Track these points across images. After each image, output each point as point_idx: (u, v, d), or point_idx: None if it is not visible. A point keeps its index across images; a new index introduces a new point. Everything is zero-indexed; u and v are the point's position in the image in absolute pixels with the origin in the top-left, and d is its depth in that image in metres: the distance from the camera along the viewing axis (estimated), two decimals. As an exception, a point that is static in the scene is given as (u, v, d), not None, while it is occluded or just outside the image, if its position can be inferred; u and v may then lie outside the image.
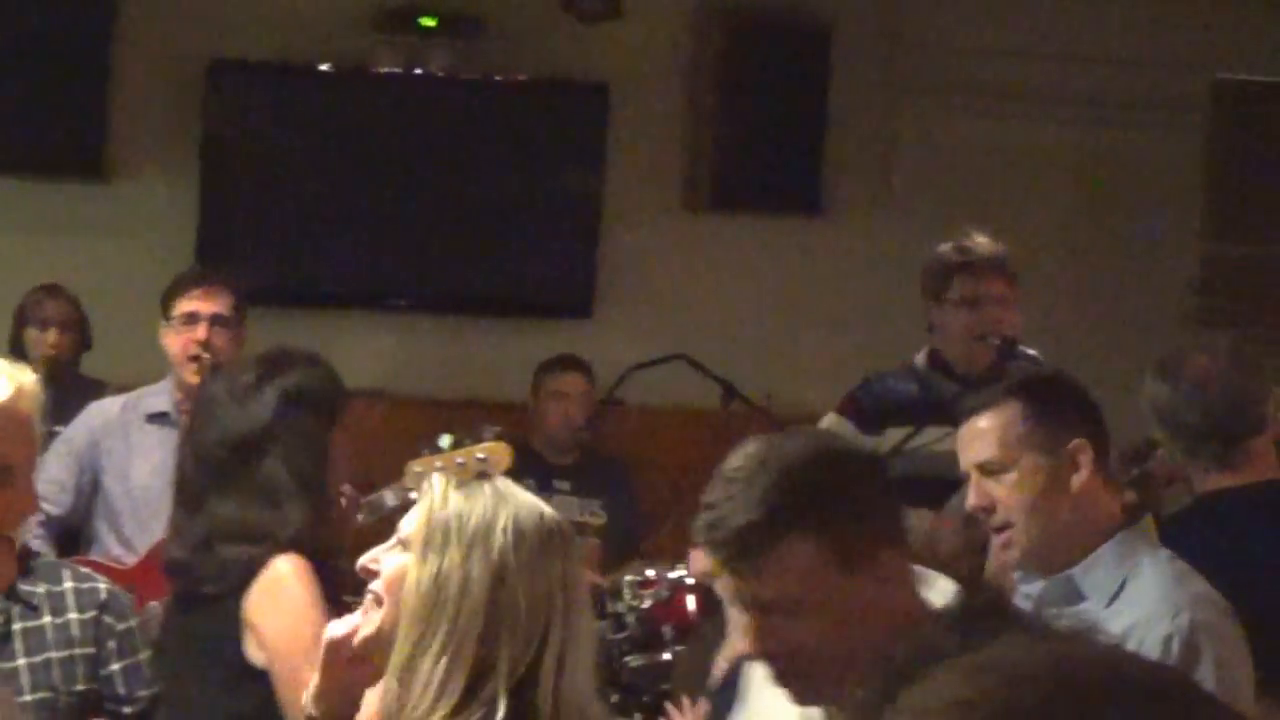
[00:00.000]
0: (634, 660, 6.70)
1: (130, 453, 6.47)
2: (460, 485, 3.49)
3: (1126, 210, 9.68)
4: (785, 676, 3.06)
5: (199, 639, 4.37)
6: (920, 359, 6.39)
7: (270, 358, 4.56)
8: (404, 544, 3.46)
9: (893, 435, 6.28)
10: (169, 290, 6.64)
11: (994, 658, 1.54)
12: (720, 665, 5.27)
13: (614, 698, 6.63)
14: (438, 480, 3.51)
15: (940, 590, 3.20)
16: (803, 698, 3.08)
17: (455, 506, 3.42)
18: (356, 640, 3.53)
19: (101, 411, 6.50)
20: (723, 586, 3.14)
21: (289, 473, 4.33)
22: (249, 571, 4.22)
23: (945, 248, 6.40)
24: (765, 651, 3.04)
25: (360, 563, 3.58)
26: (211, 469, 4.39)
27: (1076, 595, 3.98)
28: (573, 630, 3.40)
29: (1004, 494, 3.98)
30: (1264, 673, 3.82)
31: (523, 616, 3.33)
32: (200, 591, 4.34)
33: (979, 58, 9.49)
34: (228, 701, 4.25)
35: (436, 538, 3.39)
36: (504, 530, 3.37)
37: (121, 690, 4.59)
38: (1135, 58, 9.57)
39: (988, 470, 4.00)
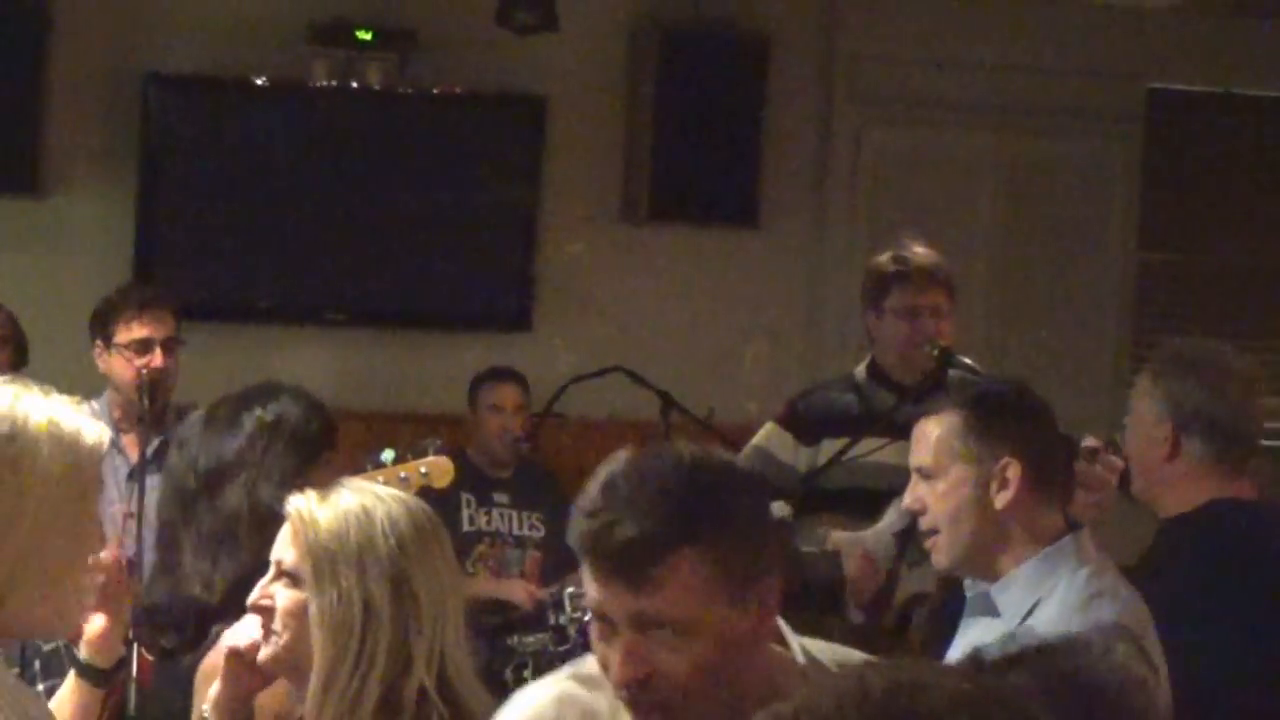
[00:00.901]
0: (574, 672, 6.68)
1: None
2: (321, 499, 3.54)
3: (1060, 219, 9.73)
4: (647, 707, 2.81)
5: (159, 691, 4.29)
6: (860, 370, 6.44)
7: (254, 390, 4.49)
8: (292, 578, 3.52)
9: (829, 446, 6.28)
10: (106, 312, 6.63)
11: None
12: None
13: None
14: (299, 501, 3.55)
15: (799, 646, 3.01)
16: None
17: (329, 528, 3.49)
18: (260, 660, 3.59)
19: None
20: (595, 603, 2.84)
21: (249, 506, 4.25)
22: (201, 636, 4.16)
23: (883, 258, 6.44)
24: (634, 676, 2.77)
25: (251, 600, 3.60)
26: (181, 500, 4.35)
27: (994, 610, 4.02)
28: (457, 601, 3.57)
29: (932, 500, 4.03)
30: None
31: (425, 609, 3.46)
32: (160, 643, 4.29)
33: (913, 70, 9.55)
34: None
35: (324, 567, 3.46)
36: (384, 536, 3.47)
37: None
38: (1068, 68, 9.62)
39: (923, 474, 4.05)
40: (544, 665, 6.93)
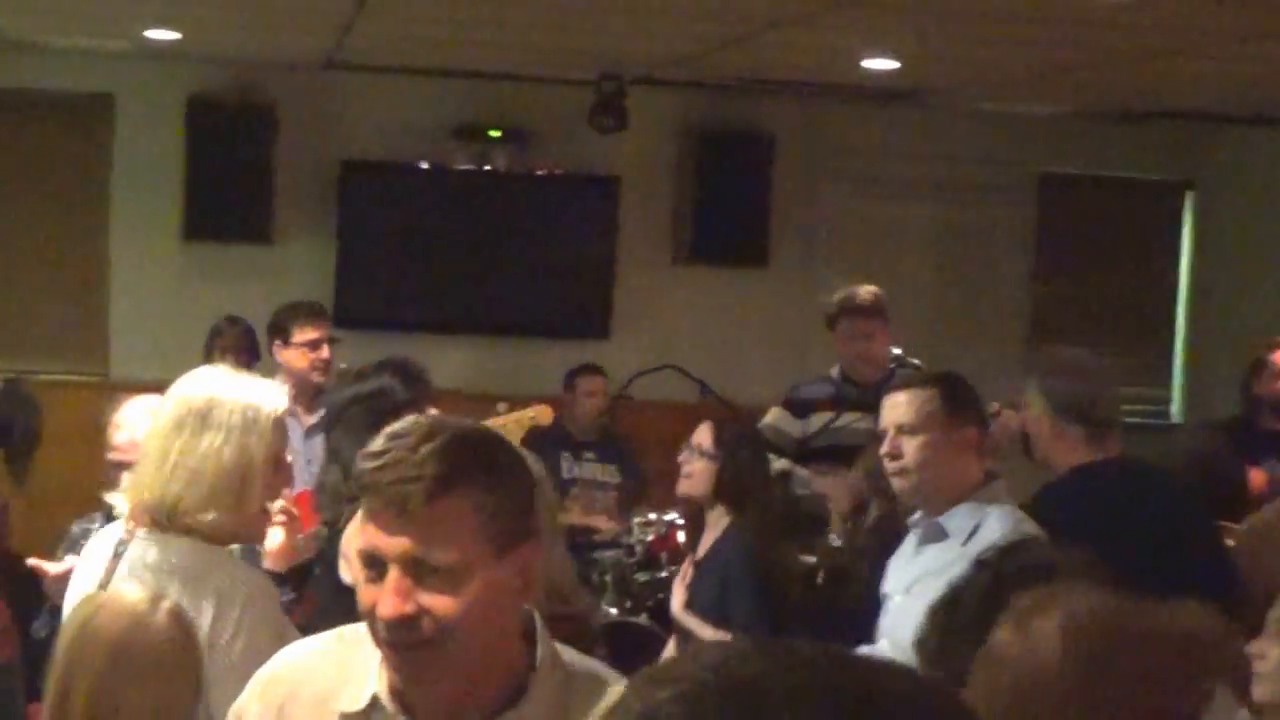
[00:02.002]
0: (641, 577, 6.77)
1: None
2: None
3: (977, 265, 9.70)
4: (409, 647, 2.18)
5: (329, 561, 4.24)
6: (835, 370, 6.48)
7: (366, 366, 4.49)
8: None
9: (816, 420, 6.36)
10: (285, 319, 6.60)
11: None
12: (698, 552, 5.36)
13: (627, 603, 6.71)
14: None
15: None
16: (417, 674, 2.21)
17: None
18: None
19: None
20: (369, 545, 2.20)
21: (339, 444, 4.31)
22: (348, 519, 4.10)
23: (836, 297, 6.52)
24: (401, 611, 2.15)
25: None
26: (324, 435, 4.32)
27: (942, 534, 3.95)
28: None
29: (909, 449, 3.95)
30: None
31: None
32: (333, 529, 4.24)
33: (871, 157, 9.47)
34: (333, 608, 4.24)
35: None
36: None
37: None
38: (983, 155, 9.62)
39: (901, 430, 3.97)
40: (618, 573, 7.01)
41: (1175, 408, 10.07)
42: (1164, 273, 10.07)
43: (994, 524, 3.87)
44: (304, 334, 6.50)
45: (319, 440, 6.40)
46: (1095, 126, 9.63)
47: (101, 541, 3.27)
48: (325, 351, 6.48)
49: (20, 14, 7.68)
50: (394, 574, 2.16)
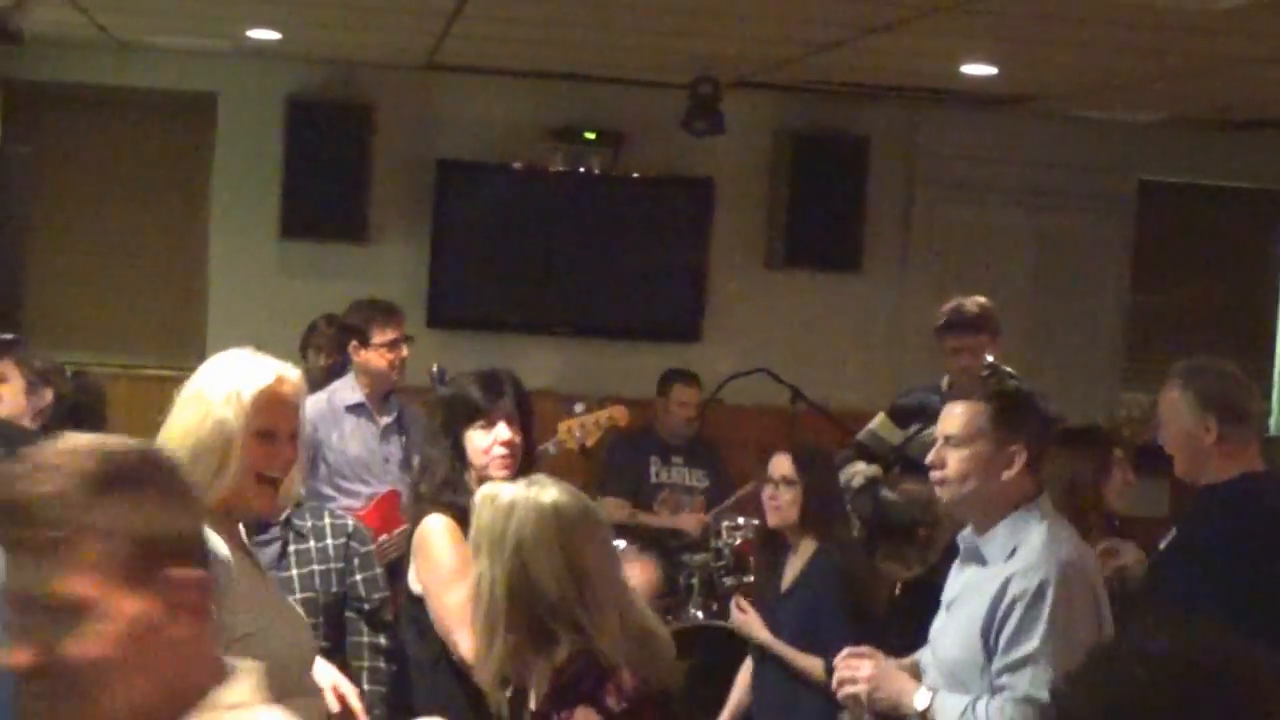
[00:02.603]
0: (729, 580, 6.77)
1: (344, 435, 6.46)
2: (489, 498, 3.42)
3: (1074, 273, 9.60)
4: (40, 696, 1.79)
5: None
6: (944, 381, 6.39)
7: (455, 376, 4.52)
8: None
9: (915, 430, 6.33)
10: (364, 320, 6.58)
11: None
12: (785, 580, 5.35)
13: (714, 606, 6.71)
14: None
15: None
16: None
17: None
18: None
19: (314, 405, 6.07)
20: None
21: (424, 445, 4.35)
22: (415, 521, 4.22)
23: (947, 307, 6.40)
24: (27, 662, 1.78)
25: None
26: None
27: (982, 559, 3.84)
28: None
29: (952, 461, 3.84)
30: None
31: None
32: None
33: (969, 162, 9.41)
34: (409, 612, 4.26)
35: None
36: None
37: (362, 593, 4.61)
38: (1081, 162, 9.53)
39: (949, 441, 3.87)
40: (705, 576, 7.00)
41: (1274, 420, 9.92)
42: (1264, 282, 9.93)
43: (1033, 542, 3.77)
44: (383, 334, 6.52)
45: (396, 440, 6.44)
46: (1196, 134, 9.50)
47: None
48: (403, 351, 6.50)
49: (126, 14, 7.79)
50: (13, 613, 1.82)
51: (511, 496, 3.40)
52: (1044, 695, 3.40)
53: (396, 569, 4.99)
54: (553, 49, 8.05)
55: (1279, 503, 4.29)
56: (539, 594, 3.30)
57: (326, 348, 7.61)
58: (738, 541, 6.80)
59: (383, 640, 4.57)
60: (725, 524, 6.89)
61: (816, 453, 5.57)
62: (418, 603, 4.13)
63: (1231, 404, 4.30)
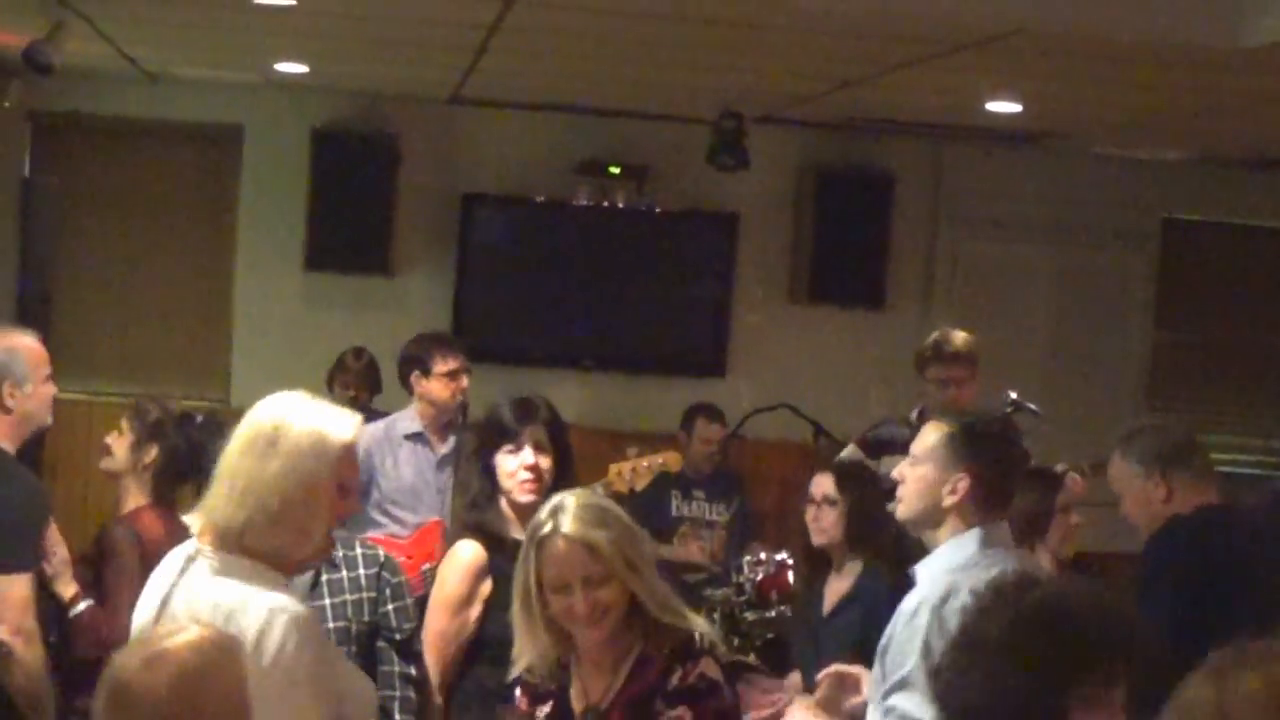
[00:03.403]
0: (750, 615, 6.73)
1: (397, 462, 6.49)
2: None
3: (1098, 310, 9.59)
4: None
5: None
6: (914, 414, 6.43)
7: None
8: None
9: (887, 463, 6.33)
10: (425, 351, 6.59)
11: None
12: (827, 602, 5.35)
13: (736, 641, 6.68)
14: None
15: None
16: None
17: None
18: None
19: (370, 433, 6.22)
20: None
21: (461, 470, 4.40)
22: (450, 544, 4.29)
23: (927, 341, 6.48)
24: None
25: None
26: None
27: (913, 583, 3.86)
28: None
29: (908, 479, 3.85)
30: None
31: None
32: None
33: (992, 199, 9.43)
34: None
35: None
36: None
37: (393, 623, 4.54)
38: (1105, 199, 9.53)
39: (911, 460, 3.88)
40: (727, 611, 6.97)
41: (1299, 457, 9.89)
42: (1288, 322, 9.90)
43: (942, 565, 3.79)
44: (445, 364, 6.54)
45: (451, 471, 6.45)
46: (1220, 172, 9.50)
47: (175, 555, 3.32)
48: (464, 381, 6.53)
49: (155, 46, 7.84)
50: None
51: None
52: (923, 717, 3.40)
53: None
54: (578, 83, 8.08)
55: (1232, 534, 4.32)
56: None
57: (354, 383, 7.62)
58: (759, 577, 6.77)
59: (413, 670, 4.59)
60: (748, 558, 6.87)
61: (859, 470, 5.58)
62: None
63: (1172, 454, 4.36)
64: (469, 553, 4.16)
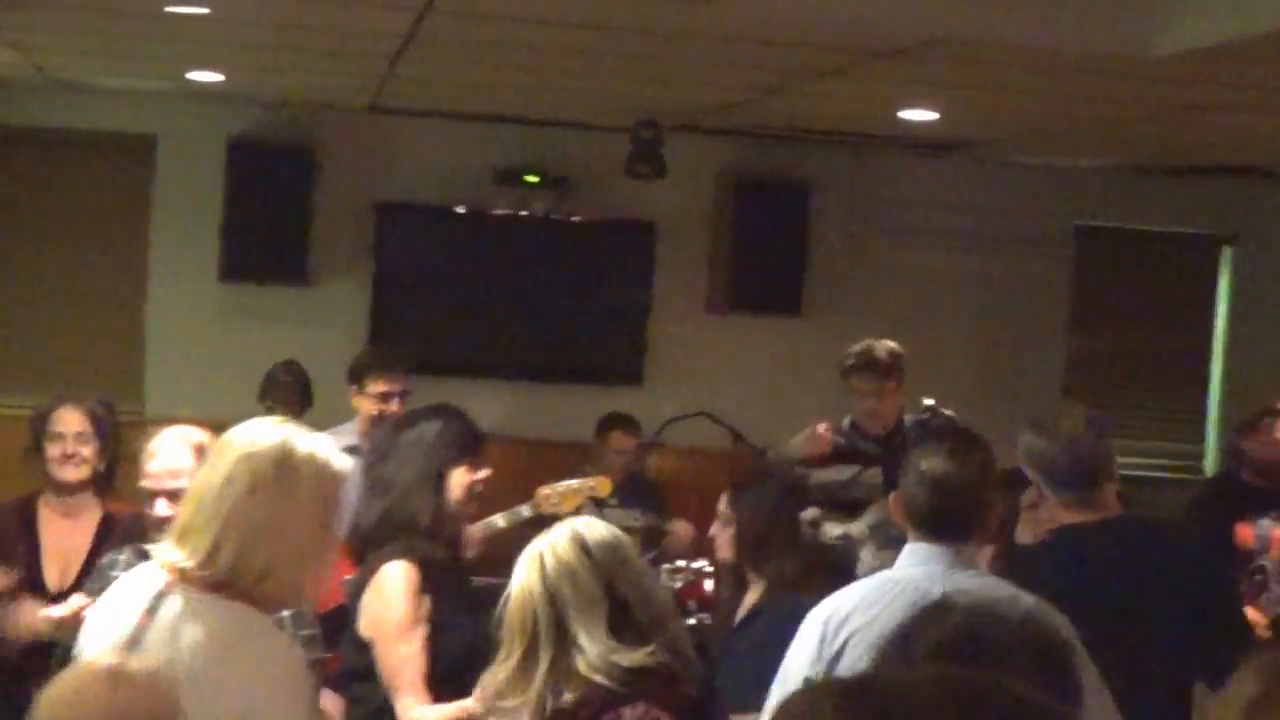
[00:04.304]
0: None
1: None
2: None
3: (1013, 316, 9.67)
4: None
5: (351, 600, 4.24)
6: (846, 421, 6.45)
7: (421, 409, 4.39)
8: None
9: (821, 472, 6.35)
10: (362, 368, 6.54)
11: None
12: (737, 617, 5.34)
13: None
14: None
15: None
16: None
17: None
18: None
19: None
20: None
21: (396, 479, 4.15)
22: (370, 569, 4.11)
23: (850, 351, 6.48)
24: None
25: None
26: (364, 471, 4.20)
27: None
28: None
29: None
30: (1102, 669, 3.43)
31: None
32: (356, 576, 4.20)
33: (909, 207, 9.48)
34: (354, 659, 4.16)
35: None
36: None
37: (290, 629, 4.58)
38: (1021, 207, 9.60)
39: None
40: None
41: (1208, 462, 10.01)
42: (1200, 327, 10.02)
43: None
44: (377, 386, 6.48)
45: None
46: (1133, 180, 9.61)
47: (133, 587, 3.10)
48: (394, 405, 6.42)
49: (67, 55, 7.74)
50: None
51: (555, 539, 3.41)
52: None
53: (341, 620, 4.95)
54: (496, 92, 8.05)
55: (1104, 549, 4.20)
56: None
57: (284, 399, 7.54)
58: (678, 585, 6.77)
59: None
60: (666, 567, 6.85)
61: (757, 490, 5.56)
62: (363, 648, 4.07)
63: (1053, 467, 4.22)
64: (403, 572, 4.03)
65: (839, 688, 1.21)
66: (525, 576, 3.36)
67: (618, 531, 3.46)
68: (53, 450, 4.98)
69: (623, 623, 3.34)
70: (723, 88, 7.36)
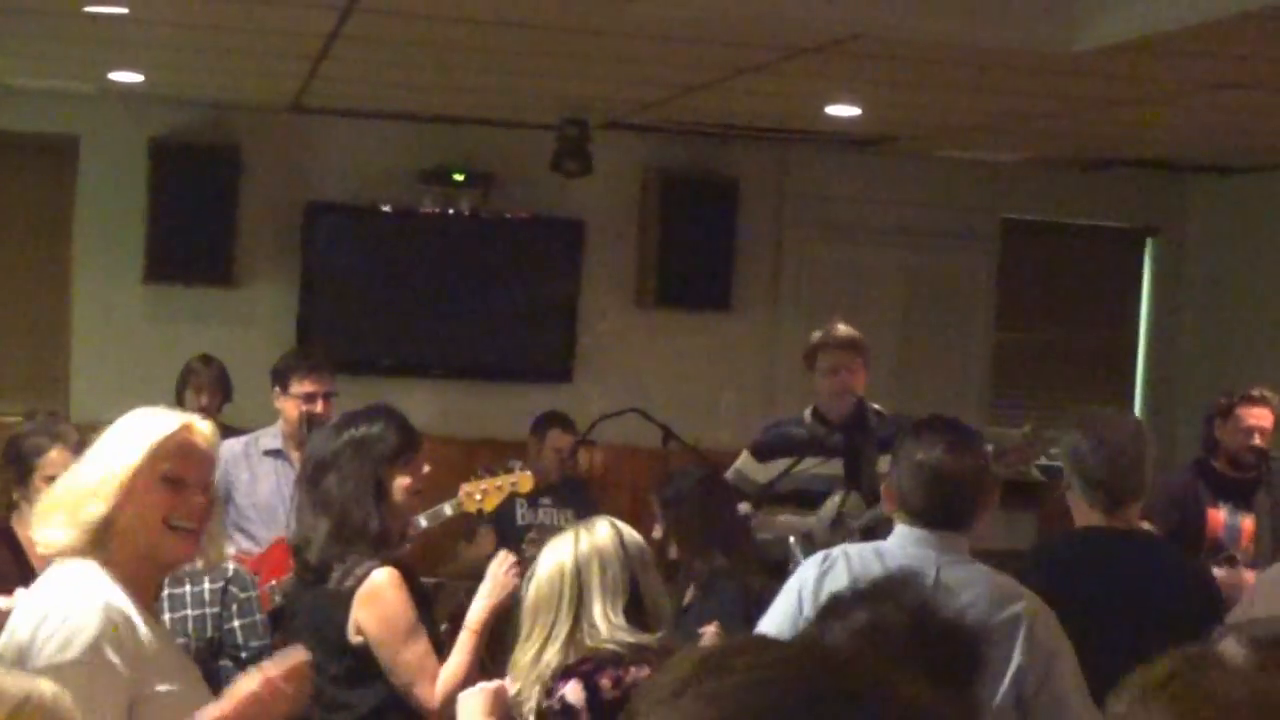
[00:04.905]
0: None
1: (254, 478, 6.37)
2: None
3: (940, 310, 9.73)
4: None
5: (316, 614, 4.18)
6: (807, 412, 6.46)
7: (357, 411, 4.29)
8: None
9: (780, 464, 6.36)
10: (287, 369, 6.48)
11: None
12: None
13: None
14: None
15: None
16: None
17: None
18: None
19: (229, 448, 6.01)
20: None
21: (338, 494, 4.09)
22: (360, 579, 4.04)
23: (817, 333, 6.49)
24: None
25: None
26: (304, 484, 4.21)
27: None
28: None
29: None
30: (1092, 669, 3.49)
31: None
32: (324, 583, 4.13)
33: (836, 202, 9.52)
34: (329, 662, 4.08)
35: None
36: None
37: (239, 640, 4.54)
38: (946, 201, 9.68)
39: None
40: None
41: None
42: (1125, 319, 10.13)
43: None
44: (301, 386, 6.41)
45: None
46: (1057, 173, 9.70)
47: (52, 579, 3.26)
48: (319, 406, 6.35)
49: (-16, 55, 7.67)
50: None
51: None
52: None
53: (278, 617, 4.93)
54: (421, 91, 8.04)
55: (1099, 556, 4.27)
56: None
57: (206, 389, 7.51)
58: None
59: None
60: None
61: (679, 487, 5.59)
62: (356, 653, 4.05)
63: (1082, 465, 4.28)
64: (390, 576, 4.03)
65: (699, 655, 1.18)
66: (557, 554, 3.58)
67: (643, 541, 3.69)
68: (41, 488, 4.88)
69: (636, 618, 3.55)
70: (648, 85, 7.38)
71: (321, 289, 8.96)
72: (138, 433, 3.18)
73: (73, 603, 3.08)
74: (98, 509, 3.11)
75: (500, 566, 4.10)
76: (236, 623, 4.57)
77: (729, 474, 6.38)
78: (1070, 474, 4.28)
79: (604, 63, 6.82)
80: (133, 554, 3.14)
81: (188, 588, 4.48)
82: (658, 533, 5.39)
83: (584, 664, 3.52)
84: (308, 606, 4.18)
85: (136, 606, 3.12)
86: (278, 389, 6.51)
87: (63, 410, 8.61)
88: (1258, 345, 9.29)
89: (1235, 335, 9.52)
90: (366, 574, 4.03)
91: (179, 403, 7.21)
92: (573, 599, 3.53)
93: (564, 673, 3.51)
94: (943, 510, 3.77)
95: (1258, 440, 6.61)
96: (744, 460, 6.47)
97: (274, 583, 5.41)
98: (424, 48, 6.68)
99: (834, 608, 2.48)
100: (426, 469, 4.19)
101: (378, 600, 4.01)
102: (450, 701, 3.90)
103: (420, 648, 4.00)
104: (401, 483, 4.13)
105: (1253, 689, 1.77)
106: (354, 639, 4.05)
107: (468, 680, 3.90)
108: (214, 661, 4.50)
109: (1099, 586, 4.13)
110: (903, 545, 3.80)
